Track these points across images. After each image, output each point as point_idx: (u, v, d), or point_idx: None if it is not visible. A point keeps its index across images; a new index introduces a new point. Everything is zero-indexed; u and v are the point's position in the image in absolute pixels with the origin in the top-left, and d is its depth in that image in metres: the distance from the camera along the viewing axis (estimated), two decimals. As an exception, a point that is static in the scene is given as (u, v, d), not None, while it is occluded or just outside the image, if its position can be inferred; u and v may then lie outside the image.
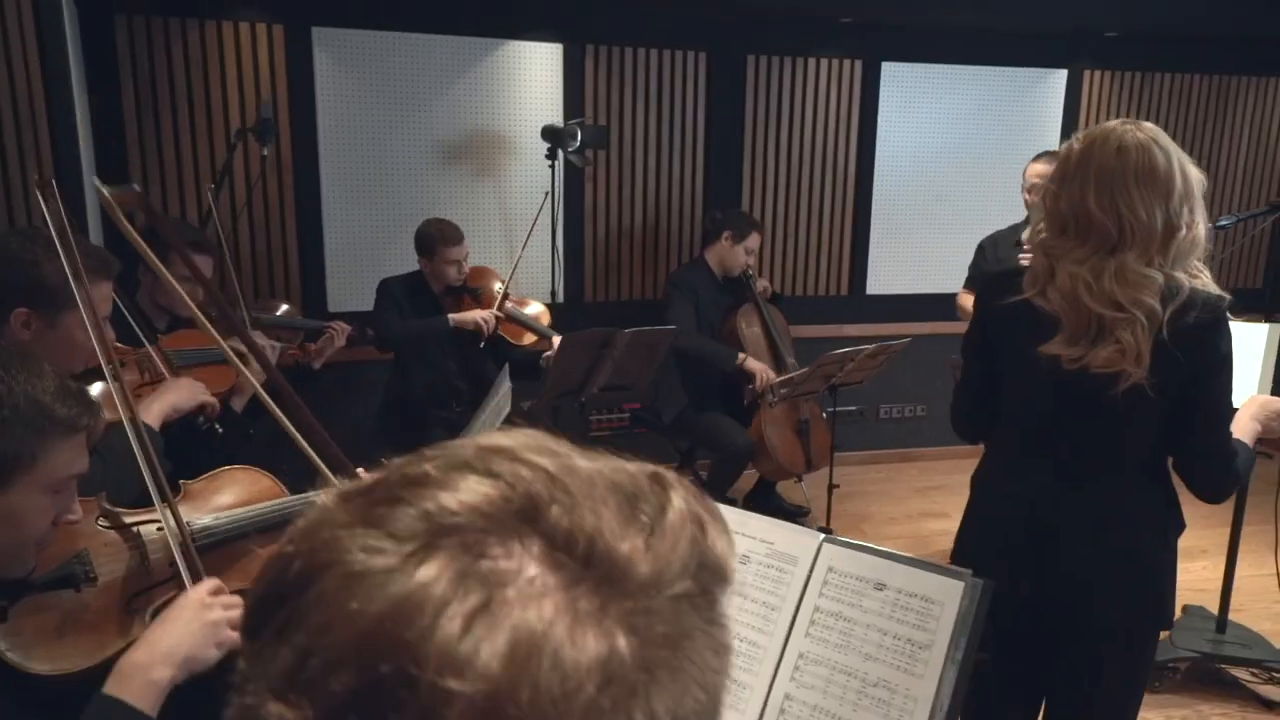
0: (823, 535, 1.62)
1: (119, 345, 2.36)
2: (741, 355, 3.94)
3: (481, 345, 3.51)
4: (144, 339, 2.19)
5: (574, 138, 4.01)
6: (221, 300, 2.81)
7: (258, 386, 1.57)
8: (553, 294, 4.29)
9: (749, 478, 4.35)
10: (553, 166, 4.16)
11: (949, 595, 1.44)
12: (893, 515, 4.50)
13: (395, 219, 4.23)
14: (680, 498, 0.48)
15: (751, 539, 1.68)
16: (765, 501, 4.43)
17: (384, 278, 3.68)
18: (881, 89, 4.72)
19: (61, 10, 3.23)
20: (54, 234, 1.53)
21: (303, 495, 1.56)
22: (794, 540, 1.64)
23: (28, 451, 1.16)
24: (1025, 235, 1.89)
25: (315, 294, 4.16)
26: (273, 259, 4.13)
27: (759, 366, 3.91)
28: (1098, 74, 4.92)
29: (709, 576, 0.46)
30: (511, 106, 4.31)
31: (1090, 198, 1.66)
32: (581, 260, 4.57)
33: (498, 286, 3.70)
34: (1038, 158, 3.56)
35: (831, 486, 3.78)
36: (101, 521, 1.42)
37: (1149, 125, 1.72)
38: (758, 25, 4.52)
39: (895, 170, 4.84)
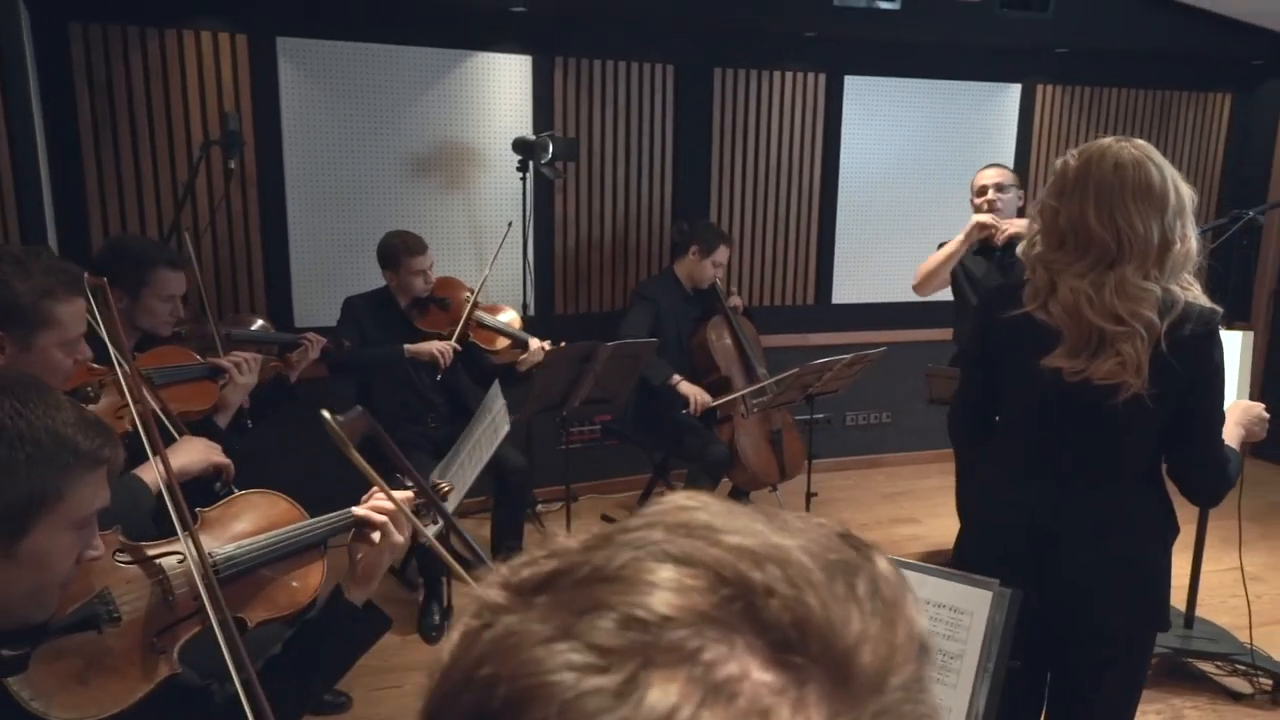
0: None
1: (94, 365, 2.27)
2: (676, 376, 3.89)
3: (439, 377, 3.44)
4: (121, 359, 2.10)
5: (545, 150, 4.00)
6: (213, 321, 2.75)
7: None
8: (524, 306, 4.26)
9: (722, 487, 4.37)
10: (524, 179, 4.14)
11: (978, 605, 1.47)
12: (863, 521, 4.56)
13: (363, 232, 4.16)
14: (884, 562, 0.44)
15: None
16: (739, 511, 4.45)
17: (349, 296, 3.62)
18: (845, 102, 4.81)
19: (20, 18, 3.10)
20: (106, 339, 1.50)
21: (323, 518, 1.52)
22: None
23: (53, 489, 1.11)
24: (1020, 248, 1.94)
25: (281, 309, 4.07)
26: (237, 273, 4.02)
27: (692, 390, 3.87)
28: (1050, 88, 5.09)
29: (924, 654, 0.43)
30: (480, 119, 4.28)
31: (1090, 212, 1.71)
32: (551, 272, 4.55)
33: (466, 296, 3.66)
34: (986, 167, 3.69)
35: (810, 495, 3.82)
36: (121, 557, 1.36)
37: (1141, 142, 1.78)
38: (724, 39, 4.56)
39: (858, 181, 4.93)
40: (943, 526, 4.47)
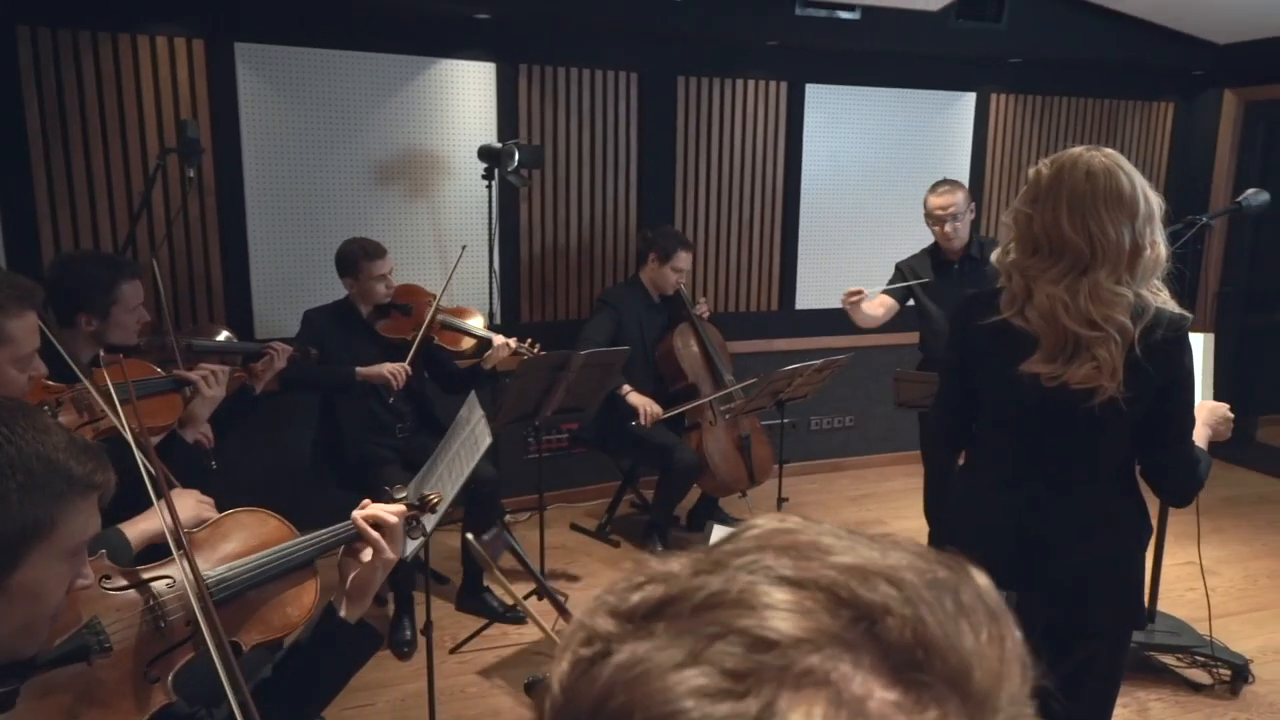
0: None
1: (50, 383, 2.20)
2: (626, 387, 3.88)
3: (390, 400, 3.38)
4: (79, 373, 2.03)
5: (511, 158, 3.97)
6: (172, 331, 2.67)
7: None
8: (490, 315, 4.22)
9: (691, 494, 4.38)
10: (489, 186, 4.11)
11: None
12: (831, 524, 4.60)
13: (325, 242, 4.08)
14: (981, 577, 0.45)
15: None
16: (708, 518, 4.46)
17: (308, 309, 3.55)
18: (806, 109, 4.86)
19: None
20: (64, 354, 1.46)
21: (315, 535, 1.49)
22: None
23: (46, 518, 1.06)
24: (994, 256, 1.98)
25: (241, 321, 3.97)
26: (195, 285, 3.92)
27: (641, 401, 3.86)
28: (1004, 97, 5.21)
29: (1026, 668, 0.43)
30: (444, 126, 4.23)
31: (1063, 219, 1.76)
32: (517, 280, 4.52)
33: (429, 300, 3.62)
34: (934, 188, 3.72)
35: (781, 500, 3.84)
36: (109, 583, 1.32)
37: (1110, 151, 1.83)
38: (687, 47, 4.59)
39: (820, 188, 4.99)
40: (910, 529, 4.53)
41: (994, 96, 5.18)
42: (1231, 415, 2.09)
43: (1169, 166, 5.61)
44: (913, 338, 5.12)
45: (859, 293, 3.59)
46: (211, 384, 2.36)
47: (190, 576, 1.32)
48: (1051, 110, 5.31)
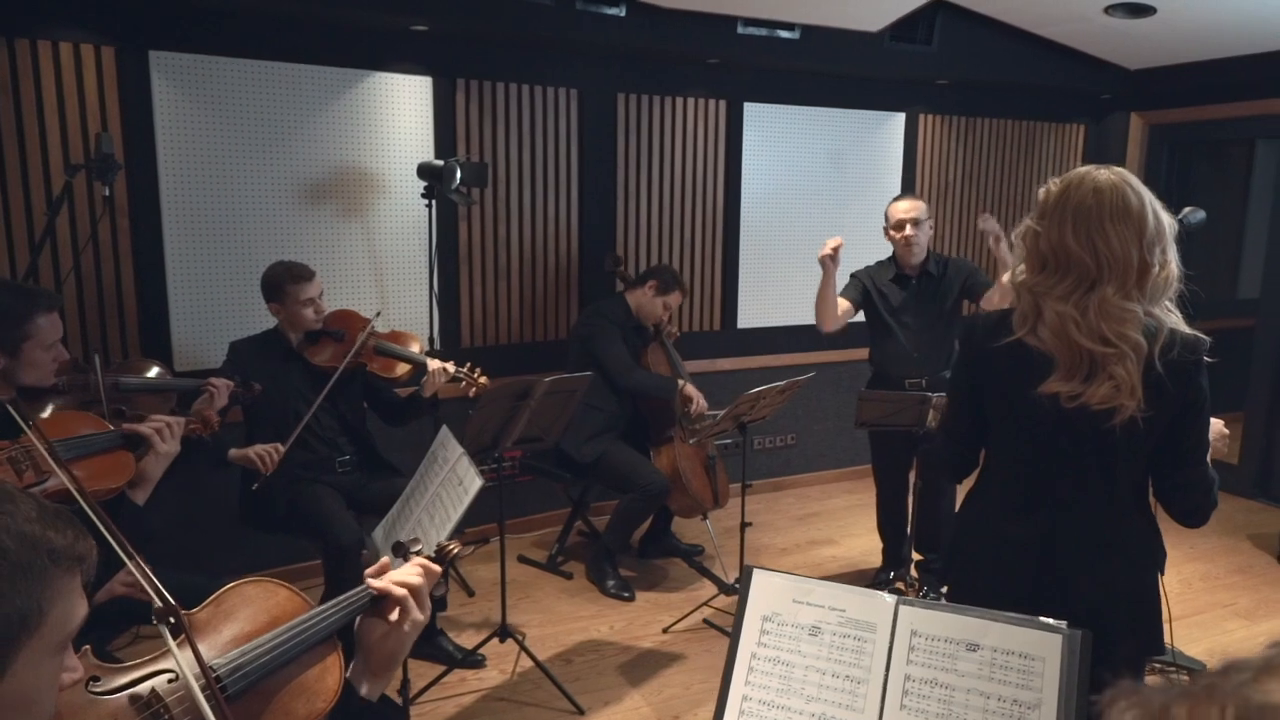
0: (896, 597, 1.56)
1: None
2: (681, 381, 4.00)
3: (254, 486, 3.02)
4: (22, 424, 1.76)
5: (454, 176, 3.79)
6: (98, 368, 2.38)
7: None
8: (431, 340, 4.01)
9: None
10: (430, 206, 3.92)
11: (1048, 650, 1.42)
12: (782, 546, 4.57)
13: (250, 266, 3.80)
14: None
15: (820, 608, 1.59)
16: (662, 542, 4.36)
17: (234, 340, 3.29)
18: (745, 128, 4.85)
19: None
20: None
21: (333, 603, 1.30)
22: (867, 605, 1.56)
23: (33, 606, 0.87)
24: (1006, 278, 1.95)
25: (158, 353, 3.65)
26: (106, 314, 3.57)
27: (695, 391, 4.00)
28: (931, 118, 5.33)
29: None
30: (379, 142, 4.01)
31: (1069, 234, 1.73)
32: (457, 304, 4.32)
33: (362, 325, 3.40)
34: (896, 198, 3.84)
35: (744, 524, 3.76)
36: (96, 686, 1.10)
37: (1119, 169, 1.82)
38: (628, 64, 4.50)
39: (758, 207, 4.97)
40: (859, 546, 4.54)
41: (922, 117, 5.29)
42: (1227, 432, 2.12)
43: (1081, 185, 5.84)
44: (849, 355, 5.18)
45: (839, 244, 3.56)
46: (166, 438, 2.10)
47: (195, 668, 1.12)
48: (975, 131, 5.47)
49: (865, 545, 4.54)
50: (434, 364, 3.33)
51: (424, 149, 4.10)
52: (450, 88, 4.14)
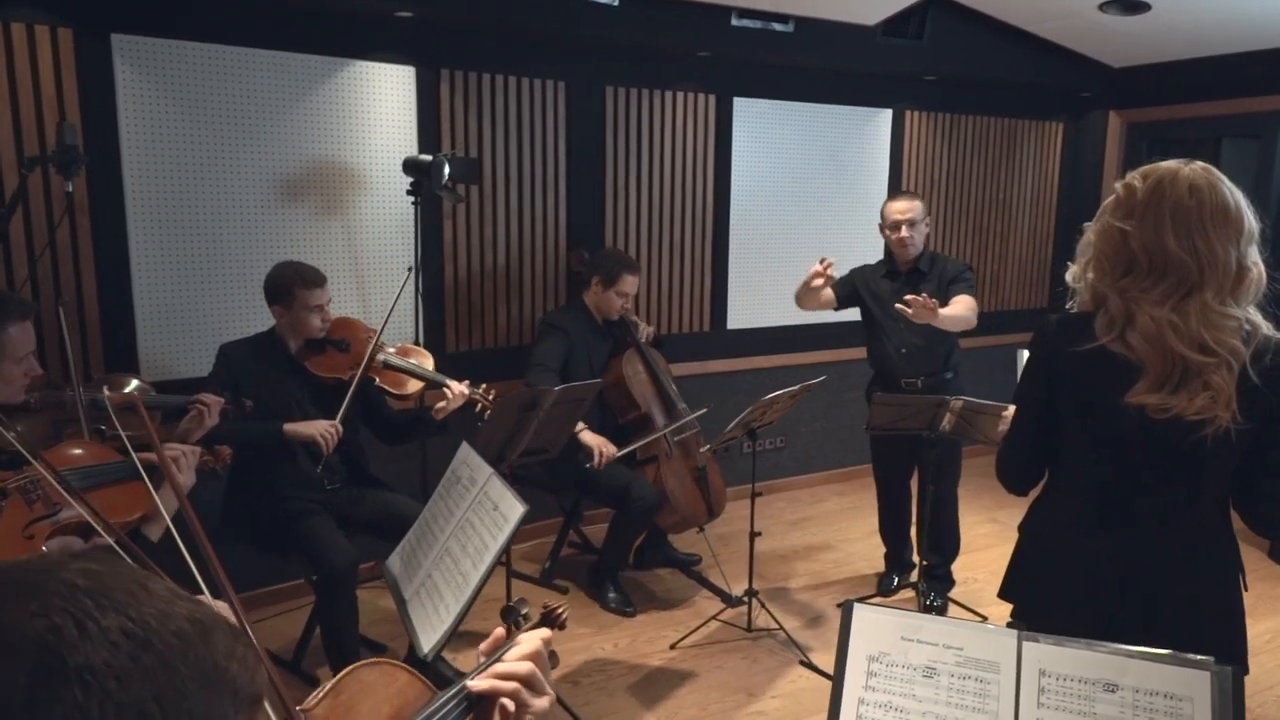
0: (1017, 632, 1.43)
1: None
2: (580, 425, 3.55)
3: (319, 468, 2.94)
4: (26, 454, 1.54)
5: (442, 171, 3.58)
6: (77, 383, 2.14)
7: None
8: (416, 344, 3.79)
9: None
10: (416, 203, 3.70)
11: (1196, 689, 1.30)
12: (780, 553, 4.45)
13: (223, 268, 3.54)
14: None
15: (933, 646, 1.45)
16: (658, 553, 4.20)
17: (224, 343, 3.04)
18: (734, 123, 4.71)
19: None
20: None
21: (458, 686, 1.08)
22: (986, 641, 1.42)
23: None
24: (1069, 275, 1.84)
25: (123, 361, 3.37)
26: (65, 320, 3.27)
27: (596, 441, 3.57)
28: (917, 114, 5.26)
29: None
30: (359, 135, 3.78)
31: (1168, 235, 1.63)
32: (441, 305, 4.10)
33: (367, 336, 3.18)
34: (893, 196, 3.74)
35: (754, 534, 3.63)
36: None
37: (1203, 164, 1.72)
38: (616, 56, 4.33)
39: (748, 204, 4.85)
40: (858, 550, 4.45)
41: (909, 113, 5.22)
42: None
43: (1060, 184, 5.86)
44: (838, 356, 5.10)
45: (830, 265, 3.49)
46: (182, 468, 1.88)
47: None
48: (959, 128, 5.42)
49: (864, 549, 4.45)
50: (456, 386, 3.06)
51: (407, 143, 3.88)
52: (434, 78, 3.92)
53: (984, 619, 3.76)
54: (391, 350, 3.20)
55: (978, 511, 4.72)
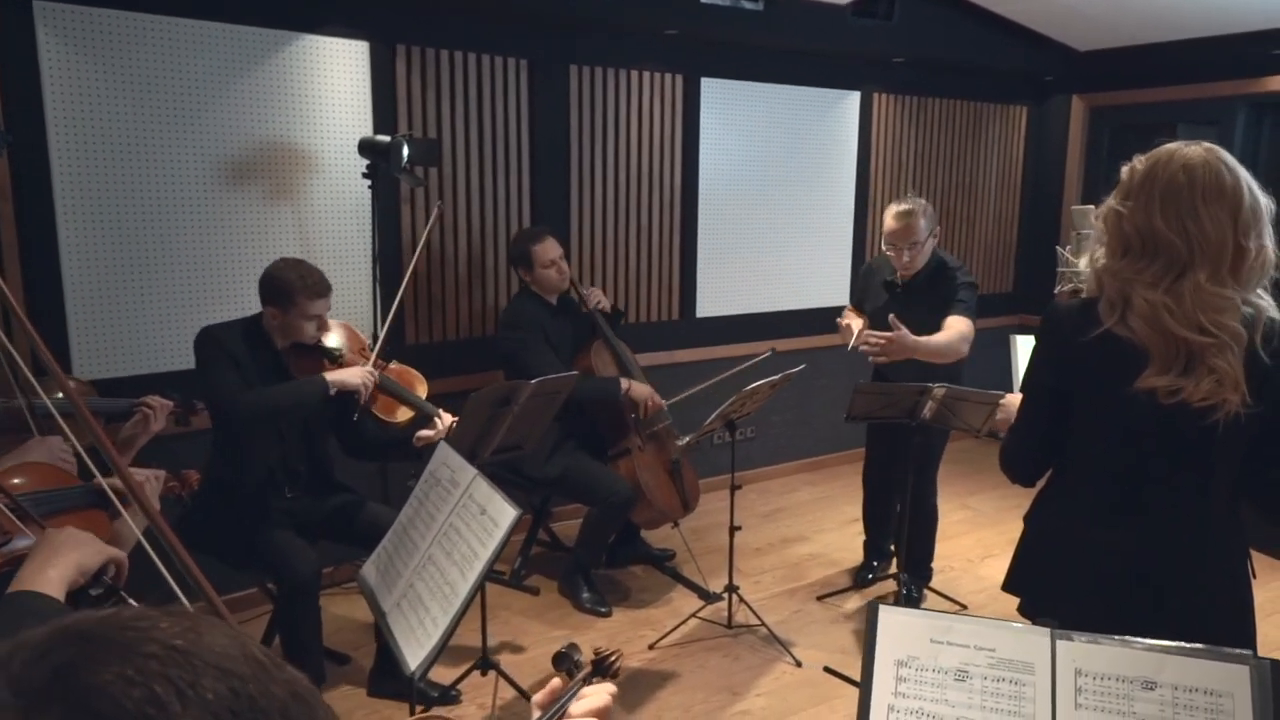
0: (1050, 630, 1.35)
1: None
2: (625, 382, 3.61)
3: (356, 417, 2.78)
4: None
5: (401, 153, 3.38)
6: (16, 384, 1.92)
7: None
8: (374, 337, 3.59)
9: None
10: (373, 187, 3.49)
11: (1235, 683, 1.24)
12: (755, 546, 4.34)
13: (164, 255, 3.30)
14: None
15: (965, 648, 1.35)
16: (632, 549, 4.07)
17: (207, 325, 2.79)
18: (702, 105, 4.57)
19: None
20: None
21: None
22: (1019, 642, 1.34)
23: None
24: (1083, 262, 1.77)
25: (53, 358, 3.10)
26: (-12, 315, 3.01)
27: (645, 392, 3.62)
28: (884, 97, 5.18)
29: None
30: (310, 114, 3.55)
31: (1156, 215, 1.60)
32: (400, 295, 3.88)
33: (355, 345, 2.98)
34: (893, 208, 3.42)
35: (733, 529, 3.52)
36: None
37: (1210, 144, 1.67)
38: (580, 34, 4.15)
39: (716, 189, 4.71)
40: (833, 541, 4.36)
41: (876, 96, 5.14)
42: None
43: (1024, 167, 5.84)
44: (806, 344, 5.01)
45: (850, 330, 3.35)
46: (146, 495, 1.68)
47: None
48: (926, 111, 5.36)
49: (839, 540, 4.37)
50: (446, 419, 2.85)
51: (361, 123, 3.66)
52: (390, 55, 3.70)
53: (964, 608, 3.71)
54: (388, 370, 2.97)
55: (950, 499, 4.66)
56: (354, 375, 2.74)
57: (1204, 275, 1.57)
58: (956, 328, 3.24)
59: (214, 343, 2.69)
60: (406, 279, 3.44)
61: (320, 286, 2.73)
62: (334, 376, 2.71)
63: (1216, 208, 1.58)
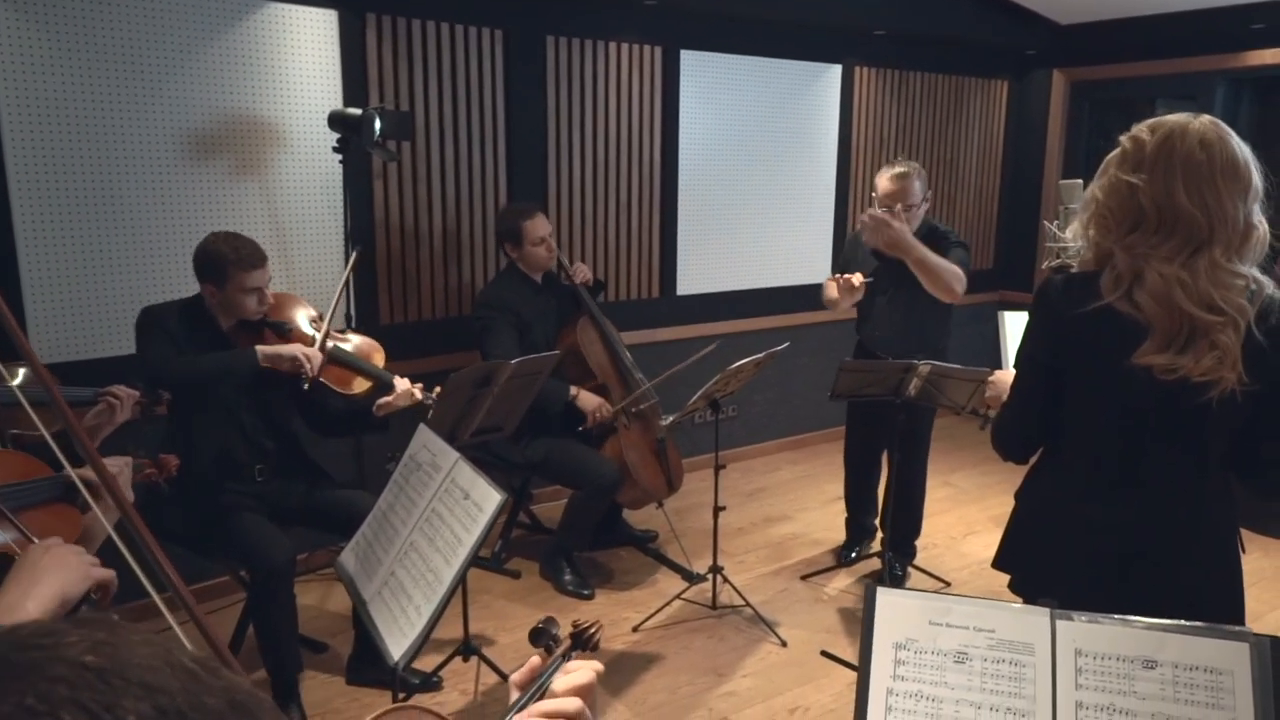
0: (1050, 610, 1.31)
1: None
2: (574, 389, 3.51)
3: (306, 387, 2.67)
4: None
5: (373, 126, 3.27)
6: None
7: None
8: (348, 318, 3.49)
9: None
10: (344, 161, 3.38)
11: (1236, 661, 1.21)
12: (738, 525, 4.30)
13: (125, 236, 3.17)
14: None
15: (964, 629, 1.31)
16: (615, 531, 4.01)
17: (148, 306, 2.68)
18: (681, 77, 4.48)
19: None
20: None
21: None
22: (1019, 622, 1.30)
23: None
24: (1070, 230, 1.74)
25: (5, 341, 2.97)
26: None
27: (595, 402, 3.51)
28: (867, 70, 5.11)
29: None
30: (277, 86, 3.42)
31: (1179, 190, 1.57)
32: (374, 274, 3.79)
33: (309, 317, 2.88)
34: (886, 169, 3.42)
35: (717, 509, 3.47)
36: None
37: (1211, 117, 1.65)
38: (556, 3, 4.04)
39: (697, 163, 4.63)
40: (816, 521, 4.33)
41: (858, 69, 5.06)
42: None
43: (1005, 142, 5.80)
44: (788, 321, 4.96)
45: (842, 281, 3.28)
46: (119, 485, 1.58)
47: None
48: (907, 85, 5.29)
49: (822, 519, 4.34)
50: (403, 384, 2.74)
51: (331, 95, 3.53)
52: (359, 24, 3.58)
53: (948, 585, 3.70)
54: (344, 343, 2.87)
55: (932, 475, 4.61)
56: (287, 348, 2.64)
57: (1219, 251, 1.55)
58: (950, 260, 3.23)
59: (152, 323, 2.61)
60: (354, 257, 3.26)
61: (254, 258, 2.63)
62: (265, 350, 2.60)
63: (1233, 184, 1.57)
